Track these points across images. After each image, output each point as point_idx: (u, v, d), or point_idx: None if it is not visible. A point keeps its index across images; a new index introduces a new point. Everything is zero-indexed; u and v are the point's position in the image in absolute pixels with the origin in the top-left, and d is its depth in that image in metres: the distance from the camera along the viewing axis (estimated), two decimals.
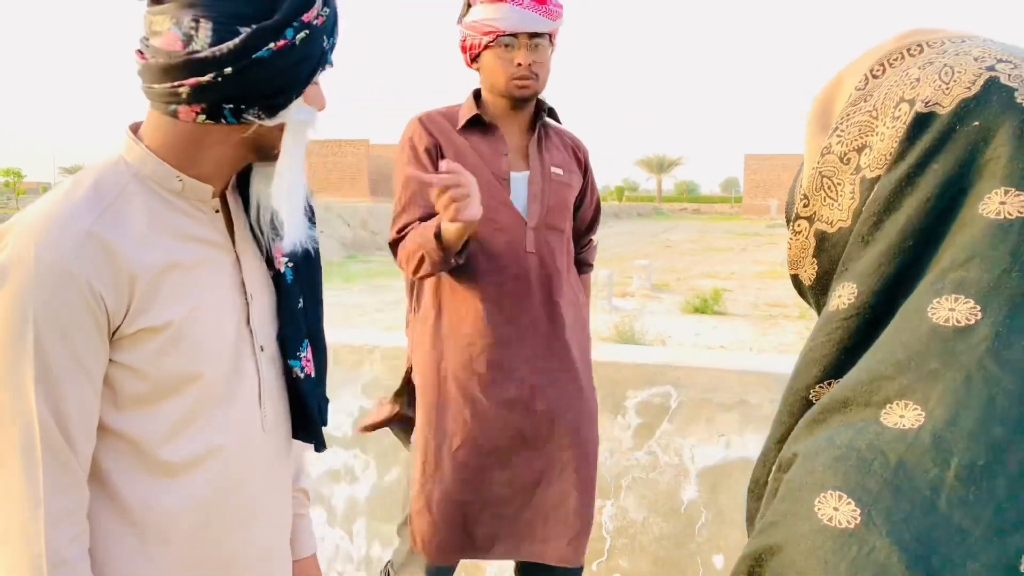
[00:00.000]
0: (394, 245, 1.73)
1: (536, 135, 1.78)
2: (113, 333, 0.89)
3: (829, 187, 0.56)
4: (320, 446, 1.12)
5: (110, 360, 0.90)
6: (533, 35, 1.66)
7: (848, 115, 0.55)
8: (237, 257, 1.02)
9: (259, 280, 1.04)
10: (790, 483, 0.45)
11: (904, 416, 0.43)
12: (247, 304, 1.01)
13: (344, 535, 2.50)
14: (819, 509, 0.42)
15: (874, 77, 0.55)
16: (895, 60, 0.55)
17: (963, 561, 0.37)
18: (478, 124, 1.74)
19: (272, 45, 0.90)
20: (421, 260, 1.62)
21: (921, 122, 0.49)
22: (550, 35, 1.70)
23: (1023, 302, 0.43)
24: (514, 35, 1.65)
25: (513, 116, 1.76)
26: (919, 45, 0.54)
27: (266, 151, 0.98)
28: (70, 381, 0.86)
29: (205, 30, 0.89)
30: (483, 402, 1.68)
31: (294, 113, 0.95)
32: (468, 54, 1.74)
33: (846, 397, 0.47)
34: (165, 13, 0.90)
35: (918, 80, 0.51)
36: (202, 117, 0.93)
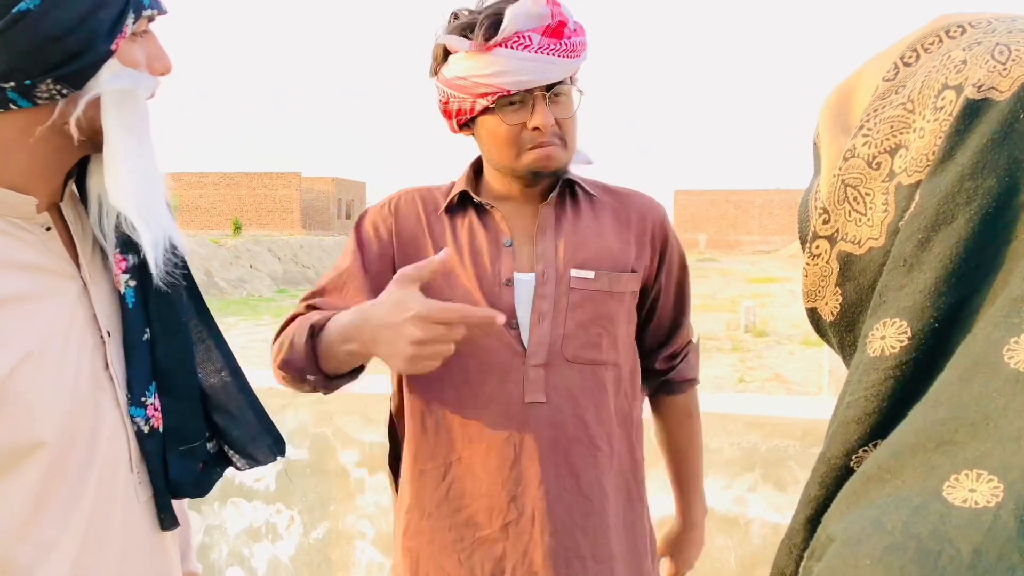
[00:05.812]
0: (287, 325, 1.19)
1: (552, 210, 1.20)
2: None
3: (855, 198, 0.46)
4: (166, 523, 0.85)
5: None
6: (552, 84, 1.13)
7: (876, 110, 0.46)
8: (85, 285, 0.80)
9: (118, 312, 0.83)
10: None
11: (976, 490, 0.34)
12: (103, 343, 0.80)
13: None
14: None
15: (906, 65, 0.46)
16: (931, 44, 0.46)
17: None
18: (470, 204, 1.21)
19: None
20: (287, 357, 1.11)
21: (973, 111, 0.40)
22: (573, 78, 1.18)
23: None
24: (528, 90, 1.12)
25: (523, 191, 1.21)
26: (959, 26, 0.45)
27: (89, 139, 0.76)
28: None
29: None
30: None
31: (107, 80, 0.72)
32: (455, 120, 1.18)
33: (898, 464, 0.37)
34: None
35: (964, 63, 0.43)
36: None
